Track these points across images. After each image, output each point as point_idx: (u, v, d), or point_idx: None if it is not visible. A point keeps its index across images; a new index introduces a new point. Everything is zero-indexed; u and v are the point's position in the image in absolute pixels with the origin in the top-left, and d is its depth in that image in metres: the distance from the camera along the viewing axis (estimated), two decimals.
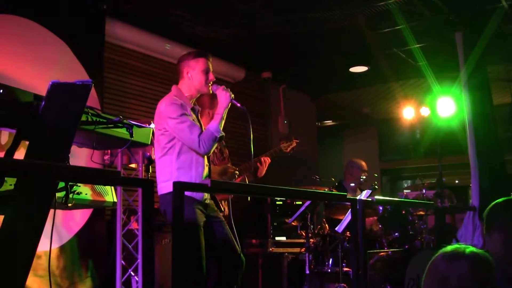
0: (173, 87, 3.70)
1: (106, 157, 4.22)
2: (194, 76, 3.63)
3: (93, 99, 4.91)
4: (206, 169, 3.62)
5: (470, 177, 5.82)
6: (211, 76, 3.65)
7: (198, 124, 3.63)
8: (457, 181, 10.19)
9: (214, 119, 3.55)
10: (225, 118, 3.58)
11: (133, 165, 4.51)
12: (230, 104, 3.58)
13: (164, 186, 3.50)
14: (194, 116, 3.64)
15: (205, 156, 3.60)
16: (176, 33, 6.03)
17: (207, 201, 3.62)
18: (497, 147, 5.86)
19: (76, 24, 5.02)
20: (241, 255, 3.66)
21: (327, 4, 5.40)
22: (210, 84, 3.64)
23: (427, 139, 9.57)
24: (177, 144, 3.50)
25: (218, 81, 6.87)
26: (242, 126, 7.10)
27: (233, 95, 3.59)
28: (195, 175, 3.51)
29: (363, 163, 6.46)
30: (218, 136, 3.49)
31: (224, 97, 3.55)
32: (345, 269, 4.93)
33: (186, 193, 2.64)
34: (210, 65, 3.68)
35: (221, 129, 3.54)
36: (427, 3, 5.42)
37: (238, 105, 3.58)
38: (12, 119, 2.09)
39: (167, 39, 6.13)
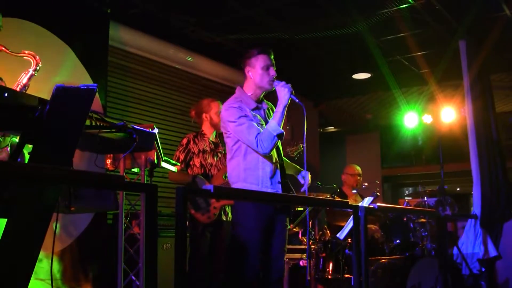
0: (237, 88, 3.66)
1: (108, 161, 4.21)
2: (254, 74, 3.58)
3: (96, 103, 4.91)
4: (274, 167, 3.54)
5: (472, 185, 5.82)
6: (272, 72, 3.57)
7: (263, 122, 3.56)
8: (458, 189, 10.18)
9: (273, 117, 3.49)
10: (285, 115, 3.51)
11: (135, 169, 4.50)
12: (290, 100, 3.51)
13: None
14: (259, 116, 3.58)
15: (275, 154, 3.55)
16: (180, 38, 6.04)
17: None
18: (500, 154, 5.85)
19: (80, 28, 5.03)
20: None
21: (331, 11, 5.41)
22: (272, 80, 3.55)
23: (429, 146, 9.59)
24: (242, 145, 3.48)
25: (224, 86, 6.92)
26: None
27: (293, 91, 3.52)
28: (262, 175, 3.48)
29: (354, 168, 6.44)
30: (277, 135, 3.41)
31: (283, 93, 3.49)
32: (346, 275, 4.92)
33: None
34: (272, 60, 3.60)
35: (281, 127, 3.47)
36: (430, 11, 5.42)
37: (297, 100, 3.50)
38: (17, 123, 2.09)
39: (171, 44, 6.14)
